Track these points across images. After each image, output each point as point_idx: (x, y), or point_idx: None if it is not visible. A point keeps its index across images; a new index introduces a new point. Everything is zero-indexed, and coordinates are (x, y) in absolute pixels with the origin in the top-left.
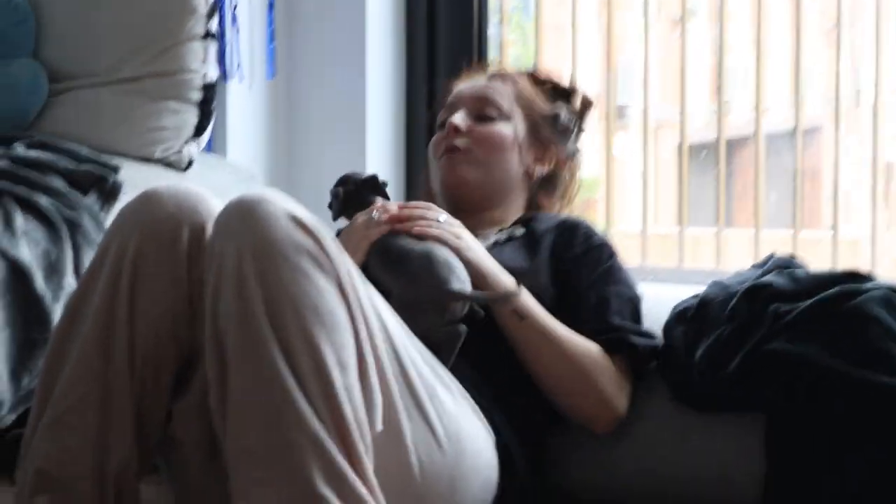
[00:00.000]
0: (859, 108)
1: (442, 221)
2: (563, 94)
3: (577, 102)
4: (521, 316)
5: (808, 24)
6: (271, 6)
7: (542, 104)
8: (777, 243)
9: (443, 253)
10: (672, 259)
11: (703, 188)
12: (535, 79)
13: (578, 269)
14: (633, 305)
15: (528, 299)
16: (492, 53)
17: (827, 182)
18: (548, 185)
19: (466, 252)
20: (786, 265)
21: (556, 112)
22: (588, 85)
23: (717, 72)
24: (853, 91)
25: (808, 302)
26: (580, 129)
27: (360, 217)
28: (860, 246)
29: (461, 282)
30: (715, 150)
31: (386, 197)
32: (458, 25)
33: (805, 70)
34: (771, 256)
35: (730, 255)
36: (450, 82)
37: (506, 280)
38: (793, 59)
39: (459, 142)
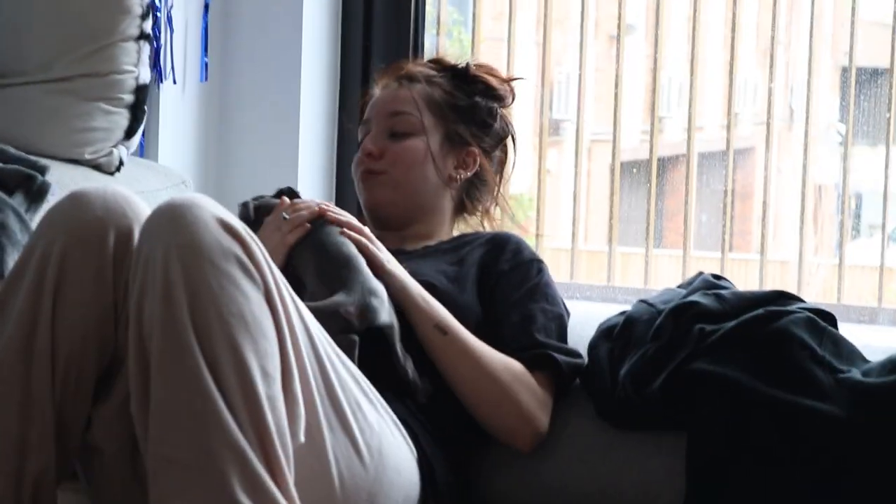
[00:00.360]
0: (792, 129)
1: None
2: (484, 86)
3: (498, 94)
4: (444, 331)
5: (743, 44)
6: (206, 8)
7: (456, 99)
8: (706, 264)
9: (362, 266)
10: (601, 277)
11: (635, 206)
12: (458, 73)
13: (505, 285)
14: (559, 323)
15: (442, 311)
16: (430, 51)
17: (757, 203)
18: (475, 188)
19: (387, 265)
20: (712, 285)
21: (472, 102)
22: (523, 99)
23: (651, 89)
24: (786, 112)
25: (733, 323)
26: (500, 111)
27: (269, 220)
28: (789, 268)
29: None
30: (647, 167)
31: None
32: (393, 34)
33: (738, 90)
34: (699, 275)
35: (659, 274)
36: (367, 92)
37: (420, 295)
38: (726, 78)
39: (374, 165)
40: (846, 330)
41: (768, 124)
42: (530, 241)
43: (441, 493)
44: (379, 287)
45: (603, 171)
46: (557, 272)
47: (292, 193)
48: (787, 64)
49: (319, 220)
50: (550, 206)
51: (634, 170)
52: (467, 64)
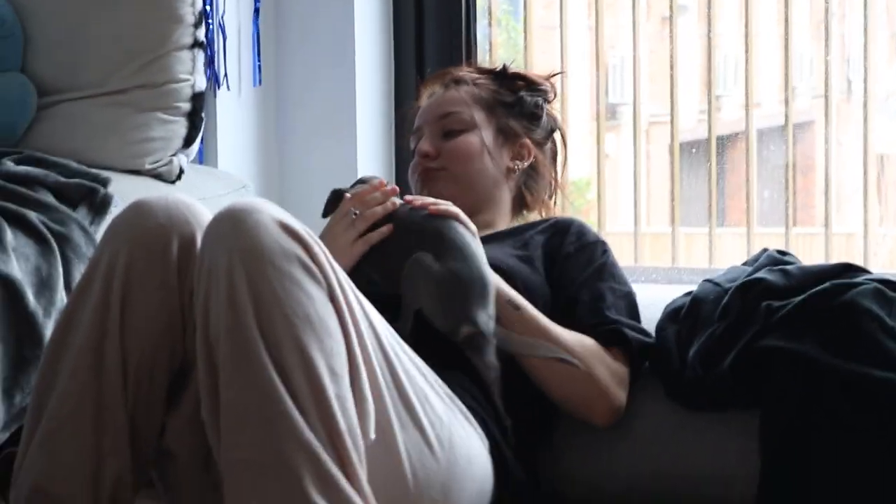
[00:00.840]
0: (850, 101)
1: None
2: (527, 82)
3: (541, 88)
4: (516, 307)
5: (797, 17)
6: (256, 13)
7: (502, 96)
8: (770, 240)
9: (487, 268)
10: (666, 259)
11: (696, 186)
12: (499, 75)
13: (572, 267)
14: (628, 301)
15: (511, 290)
16: (481, 55)
17: (819, 177)
18: (532, 180)
19: (476, 238)
20: (778, 261)
21: (518, 97)
22: (579, 85)
23: (707, 68)
24: (844, 84)
25: (800, 297)
26: (545, 105)
27: (335, 221)
28: (854, 240)
29: (492, 310)
30: (706, 147)
31: None
32: (446, 28)
33: (795, 64)
34: (763, 252)
35: (724, 253)
36: (415, 104)
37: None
38: (782, 53)
39: (432, 164)
40: None
41: (826, 97)
42: (592, 225)
43: (514, 482)
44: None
45: (662, 153)
46: (621, 256)
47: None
48: (843, 35)
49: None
50: (611, 190)
51: (693, 150)
52: (504, 65)
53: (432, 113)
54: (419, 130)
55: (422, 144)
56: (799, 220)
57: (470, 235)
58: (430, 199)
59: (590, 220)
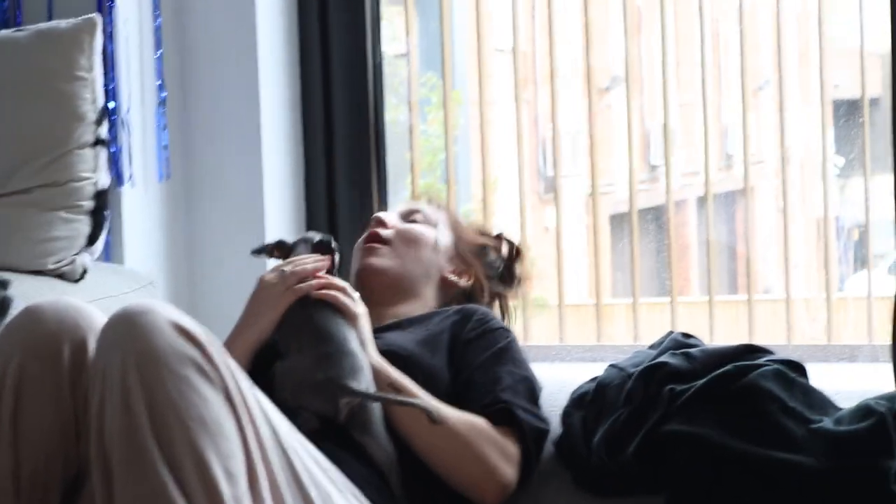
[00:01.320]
0: (788, 167)
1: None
2: (490, 239)
3: (505, 248)
4: (397, 388)
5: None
6: (162, 104)
7: (470, 235)
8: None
9: (357, 347)
10: (611, 332)
11: (646, 256)
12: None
13: (471, 351)
14: (527, 385)
15: (396, 372)
16: (400, 146)
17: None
18: (465, 297)
19: (356, 320)
20: (681, 344)
21: (483, 244)
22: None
23: (642, 139)
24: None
25: (703, 381)
26: (511, 276)
27: (271, 273)
28: (798, 306)
29: (365, 383)
30: (648, 217)
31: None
32: (355, 114)
33: (730, 132)
34: (669, 334)
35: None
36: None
37: (374, 356)
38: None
39: (383, 231)
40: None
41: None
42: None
43: None
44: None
45: (603, 224)
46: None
47: (325, 245)
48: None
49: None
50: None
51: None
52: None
53: (400, 207)
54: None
55: (381, 213)
56: (741, 288)
57: (340, 320)
58: (333, 283)
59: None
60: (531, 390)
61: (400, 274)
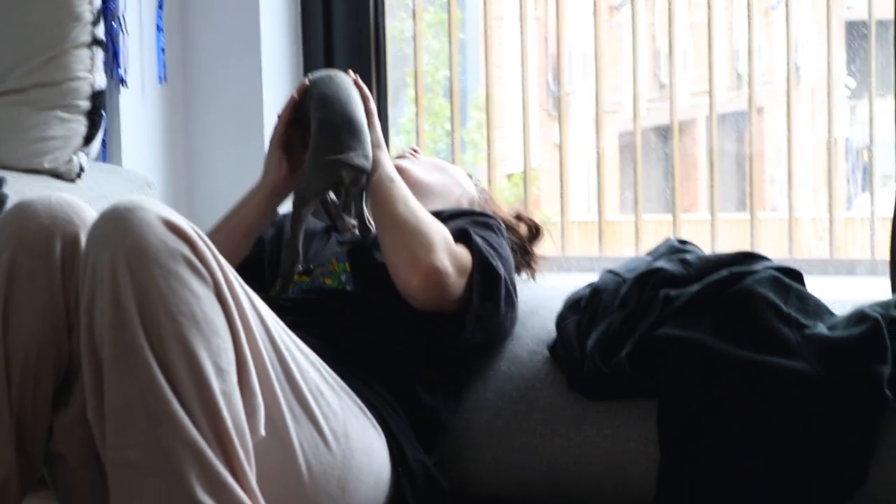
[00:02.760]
0: (798, 87)
1: None
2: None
3: (524, 228)
4: (391, 178)
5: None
6: (160, 8)
7: (494, 205)
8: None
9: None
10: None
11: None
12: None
13: (455, 217)
14: (496, 251)
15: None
16: (399, 51)
17: (770, 164)
18: None
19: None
20: (677, 250)
21: (503, 217)
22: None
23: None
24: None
25: (697, 286)
26: (525, 253)
27: None
28: (803, 224)
29: (365, 155)
30: (657, 136)
31: None
32: (354, 20)
33: (741, 52)
34: (665, 241)
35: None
36: None
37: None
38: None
39: (415, 153)
40: None
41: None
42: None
43: (413, 471)
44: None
45: (612, 142)
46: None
47: None
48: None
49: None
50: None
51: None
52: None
53: None
54: None
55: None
56: (748, 206)
57: (341, 81)
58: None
59: (540, 211)
60: (500, 255)
61: (422, 182)
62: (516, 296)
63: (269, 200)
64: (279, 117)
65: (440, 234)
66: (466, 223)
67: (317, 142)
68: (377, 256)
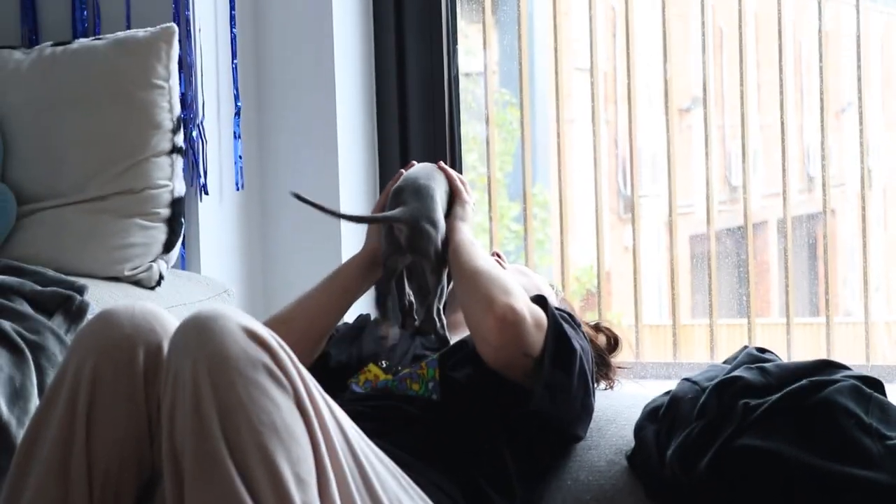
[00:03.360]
0: (871, 189)
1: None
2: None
3: (602, 340)
4: (473, 242)
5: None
6: (237, 115)
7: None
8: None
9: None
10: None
11: (725, 277)
12: None
13: None
14: (576, 336)
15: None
16: (472, 154)
17: (842, 266)
18: None
19: (464, 203)
20: (756, 358)
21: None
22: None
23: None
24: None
25: (777, 395)
26: (605, 364)
27: None
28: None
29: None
30: (730, 238)
31: None
32: (430, 127)
33: (812, 154)
34: (743, 349)
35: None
36: None
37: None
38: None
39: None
40: None
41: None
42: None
43: None
44: (440, 220)
45: (683, 244)
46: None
47: None
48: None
49: None
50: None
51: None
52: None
53: None
54: None
55: None
56: (820, 310)
57: (424, 166)
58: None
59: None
60: (580, 343)
61: None
62: (593, 382)
63: (368, 268)
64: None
65: (520, 286)
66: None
67: (402, 197)
68: (468, 369)
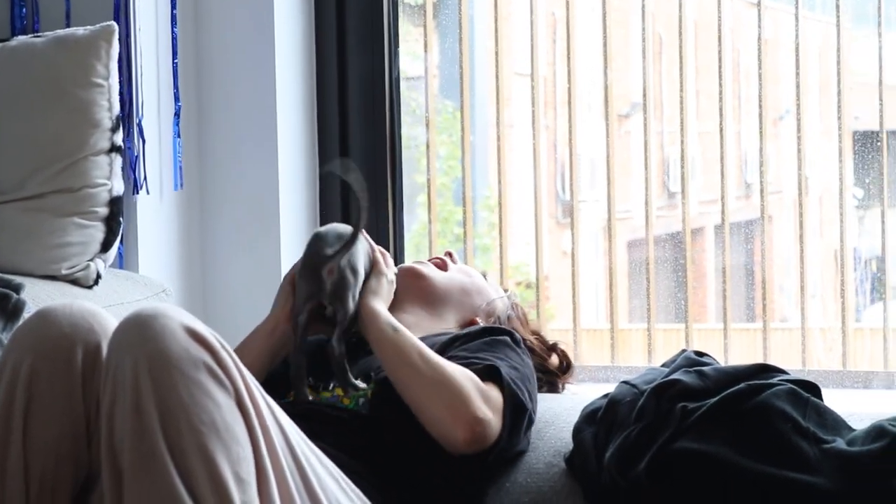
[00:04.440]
0: (807, 197)
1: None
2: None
3: (555, 360)
4: (394, 328)
5: (749, 115)
6: (177, 115)
7: (523, 327)
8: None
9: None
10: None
11: (663, 282)
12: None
13: (472, 339)
14: (519, 373)
15: (397, 323)
16: (413, 153)
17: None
18: None
19: (379, 275)
20: (695, 362)
21: (532, 348)
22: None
23: (661, 166)
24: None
25: (715, 399)
26: (551, 385)
27: None
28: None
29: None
30: (667, 243)
31: None
32: (370, 126)
33: (750, 160)
34: (682, 352)
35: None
36: None
37: (382, 307)
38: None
39: (449, 261)
40: None
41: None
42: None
43: None
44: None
45: (620, 250)
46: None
47: None
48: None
49: None
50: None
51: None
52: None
53: None
54: None
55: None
56: (757, 316)
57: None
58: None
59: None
60: (525, 378)
61: (439, 290)
62: (536, 404)
63: (271, 336)
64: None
65: (469, 380)
66: (487, 348)
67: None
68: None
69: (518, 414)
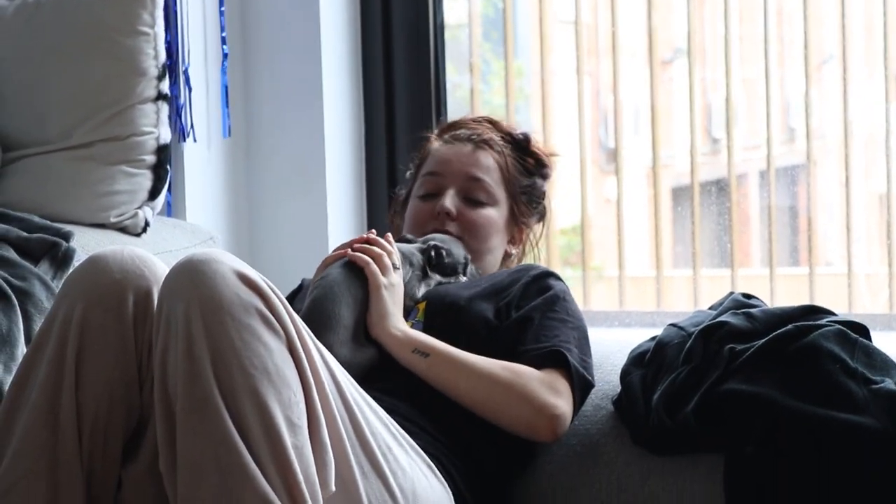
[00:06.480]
0: (851, 142)
1: (395, 269)
2: (541, 165)
3: (549, 172)
4: (424, 353)
5: (793, 60)
6: (224, 63)
7: (521, 177)
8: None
9: (328, 304)
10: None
11: (707, 228)
12: (520, 147)
13: (523, 297)
14: (579, 335)
15: (422, 337)
16: (457, 104)
17: (822, 218)
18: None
19: (375, 291)
20: (742, 304)
21: (532, 182)
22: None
23: (704, 112)
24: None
25: (763, 340)
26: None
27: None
28: (859, 280)
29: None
30: (710, 190)
31: None
32: (415, 75)
33: (794, 106)
34: (729, 295)
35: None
36: (428, 138)
37: (395, 326)
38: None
39: (450, 227)
40: None
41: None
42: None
43: None
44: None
45: (664, 197)
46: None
47: None
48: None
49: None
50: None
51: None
52: (525, 135)
53: (460, 170)
54: (439, 178)
55: (445, 202)
56: (802, 261)
57: (331, 281)
58: (370, 249)
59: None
60: (583, 340)
61: (478, 225)
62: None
63: None
64: None
65: (529, 378)
66: (546, 309)
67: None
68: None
69: (586, 391)
